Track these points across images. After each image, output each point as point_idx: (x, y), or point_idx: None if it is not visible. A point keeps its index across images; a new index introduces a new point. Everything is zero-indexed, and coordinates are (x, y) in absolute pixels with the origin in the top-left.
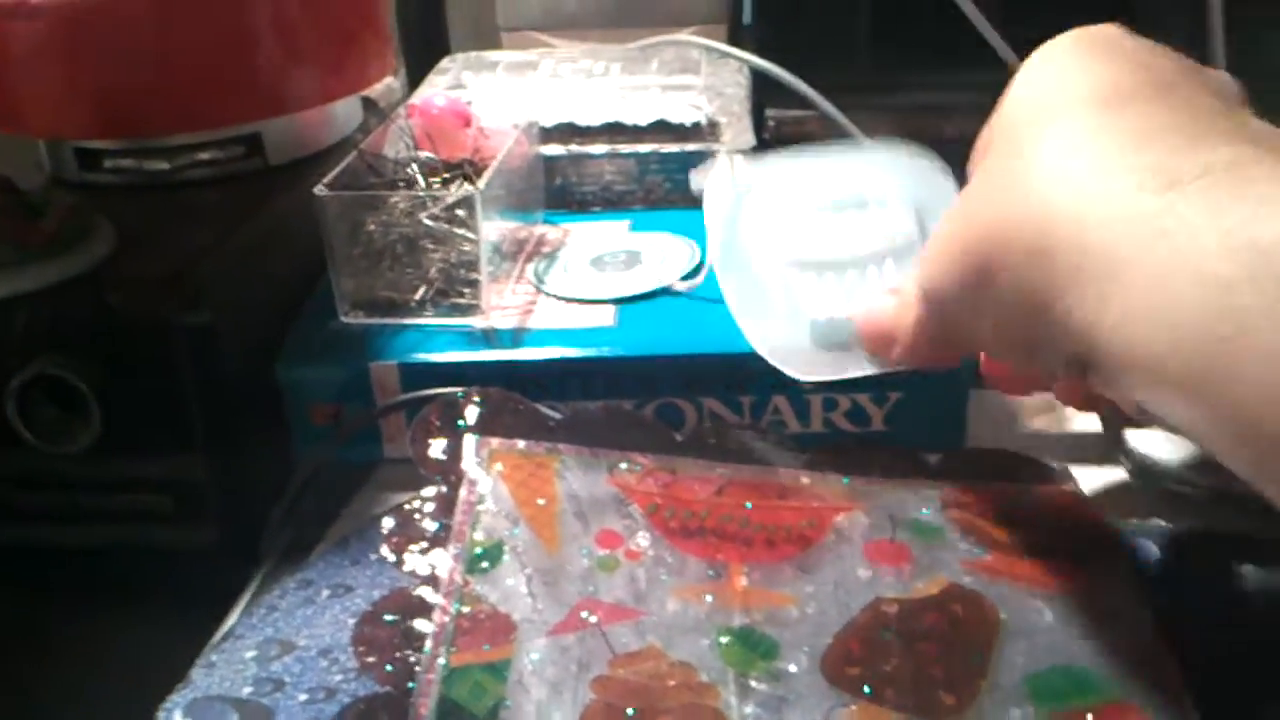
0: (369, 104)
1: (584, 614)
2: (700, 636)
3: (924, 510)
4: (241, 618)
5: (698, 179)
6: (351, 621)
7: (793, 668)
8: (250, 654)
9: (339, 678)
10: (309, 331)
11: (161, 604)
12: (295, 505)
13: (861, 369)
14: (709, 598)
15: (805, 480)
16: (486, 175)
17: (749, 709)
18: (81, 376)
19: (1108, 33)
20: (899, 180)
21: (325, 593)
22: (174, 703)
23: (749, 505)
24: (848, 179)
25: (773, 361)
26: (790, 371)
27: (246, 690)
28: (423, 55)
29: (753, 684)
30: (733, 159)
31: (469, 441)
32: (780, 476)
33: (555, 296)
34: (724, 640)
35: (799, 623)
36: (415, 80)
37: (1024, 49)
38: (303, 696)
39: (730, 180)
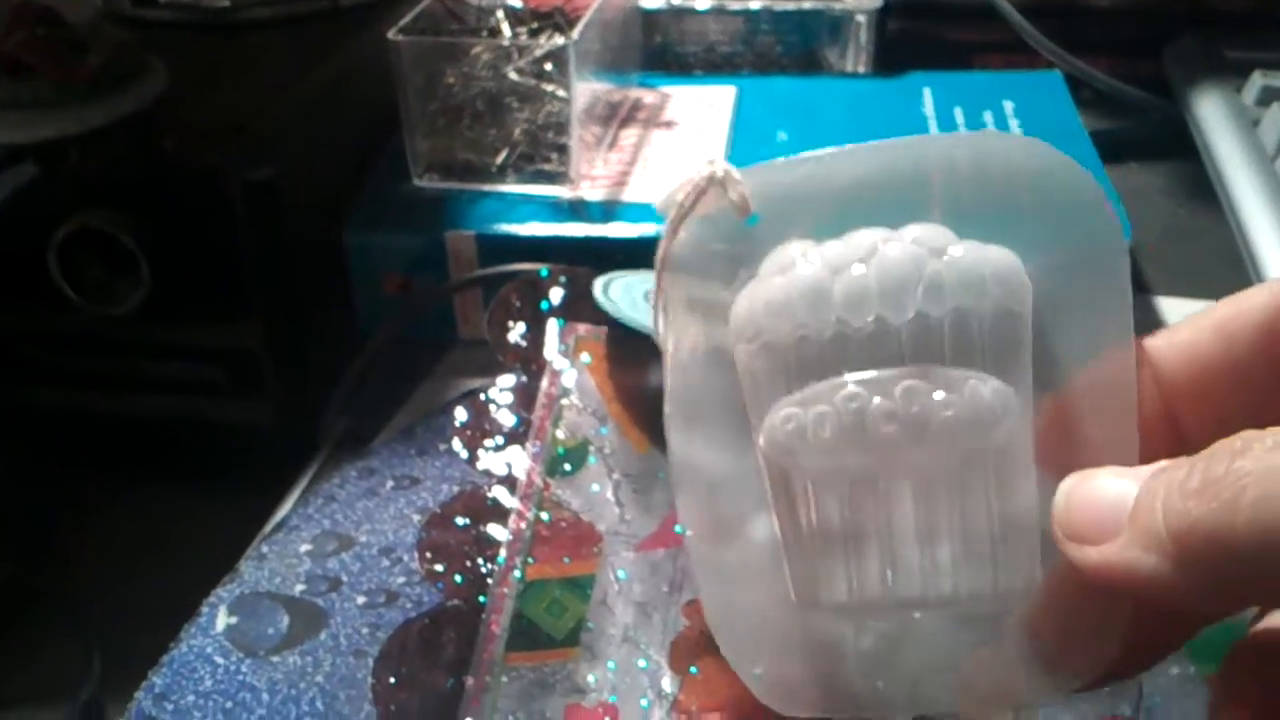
0: None
1: (678, 528)
2: None
3: None
4: (296, 507)
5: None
6: (416, 518)
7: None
8: (305, 548)
9: (401, 580)
10: (380, 194)
11: (212, 484)
12: (359, 385)
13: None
14: None
15: None
16: (580, 26)
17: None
18: (129, 231)
19: None
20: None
21: (389, 484)
22: (220, 597)
23: None
24: (914, 265)
25: (757, 693)
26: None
27: (299, 588)
28: None
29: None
30: (718, 175)
31: (552, 327)
32: None
33: None
34: None
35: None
36: None
37: None
38: (360, 599)
39: (703, 236)
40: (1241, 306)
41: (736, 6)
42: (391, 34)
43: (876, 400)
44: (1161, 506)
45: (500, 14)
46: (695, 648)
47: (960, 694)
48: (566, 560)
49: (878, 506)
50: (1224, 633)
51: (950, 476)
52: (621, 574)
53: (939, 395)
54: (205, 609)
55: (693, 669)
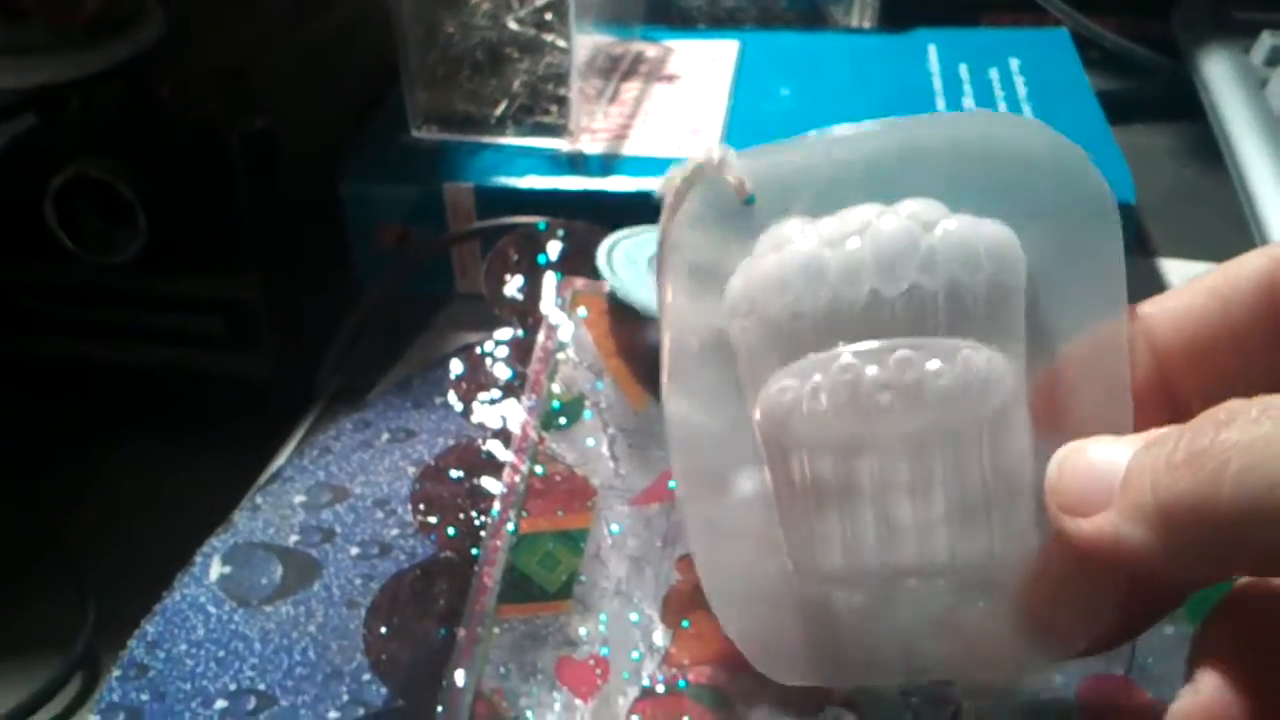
0: None
1: (671, 484)
2: None
3: None
4: (291, 458)
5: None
6: (411, 470)
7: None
8: (299, 499)
9: (395, 532)
10: (377, 145)
11: (208, 435)
12: (355, 337)
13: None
14: None
15: None
16: None
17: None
18: (126, 181)
19: None
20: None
21: (384, 436)
22: (214, 547)
23: None
24: (909, 238)
25: (746, 654)
26: (773, 674)
27: (293, 539)
28: None
29: None
30: (715, 159)
31: (549, 280)
32: None
33: None
34: None
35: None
36: None
37: None
38: (354, 550)
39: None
40: (1237, 271)
41: None
42: None
43: (871, 370)
44: (1150, 480)
45: None
46: (688, 602)
47: (953, 661)
48: (560, 514)
49: (873, 476)
50: (1218, 592)
51: (945, 445)
52: (615, 528)
53: (933, 365)
54: (199, 558)
55: (685, 623)
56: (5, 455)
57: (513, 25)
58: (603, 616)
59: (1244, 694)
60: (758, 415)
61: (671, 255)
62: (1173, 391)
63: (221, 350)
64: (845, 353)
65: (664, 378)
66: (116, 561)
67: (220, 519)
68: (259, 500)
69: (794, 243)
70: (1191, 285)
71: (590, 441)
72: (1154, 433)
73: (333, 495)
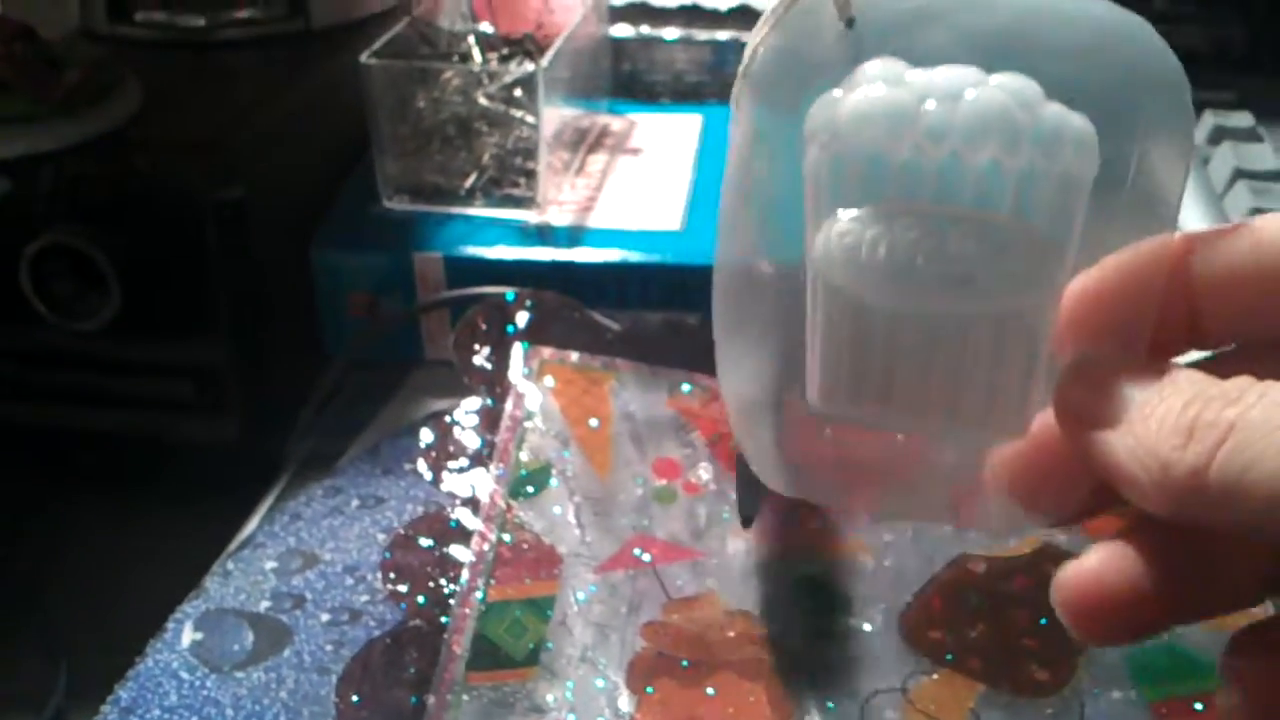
0: None
1: (636, 551)
2: (764, 583)
3: None
4: (262, 524)
5: None
6: (381, 537)
7: (867, 626)
8: (270, 565)
9: (365, 599)
10: (348, 215)
11: (178, 500)
12: (325, 404)
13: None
14: (776, 540)
15: None
16: (550, 53)
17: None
18: (100, 248)
19: None
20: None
21: (354, 503)
22: (185, 613)
23: None
24: (1002, 114)
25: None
26: (765, 478)
27: (264, 605)
28: None
29: (821, 642)
30: None
31: (517, 350)
32: None
33: None
34: (792, 590)
35: (875, 575)
36: None
37: None
38: (325, 617)
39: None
40: (1274, 219)
41: (704, 37)
42: (364, 58)
43: (931, 238)
44: (1155, 433)
45: (472, 39)
46: (652, 668)
47: (939, 508)
48: (528, 581)
49: (907, 333)
50: (1166, 656)
51: (980, 325)
52: (581, 595)
53: (989, 249)
54: (171, 624)
55: (649, 689)
56: None
57: (483, 100)
58: (569, 683)
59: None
60: (816, 250)
61: (758, 72)
62: (1197, 319)
63: (191, 415)
64: (912, 212)
65: (724, 191)
66: (87, 624)
67: (191, 583)
68: (230, 566)
69: (887, 85)
70: (1234, 226)
71: (557, 509)
72: (1170, 379)
73: (303, 561)
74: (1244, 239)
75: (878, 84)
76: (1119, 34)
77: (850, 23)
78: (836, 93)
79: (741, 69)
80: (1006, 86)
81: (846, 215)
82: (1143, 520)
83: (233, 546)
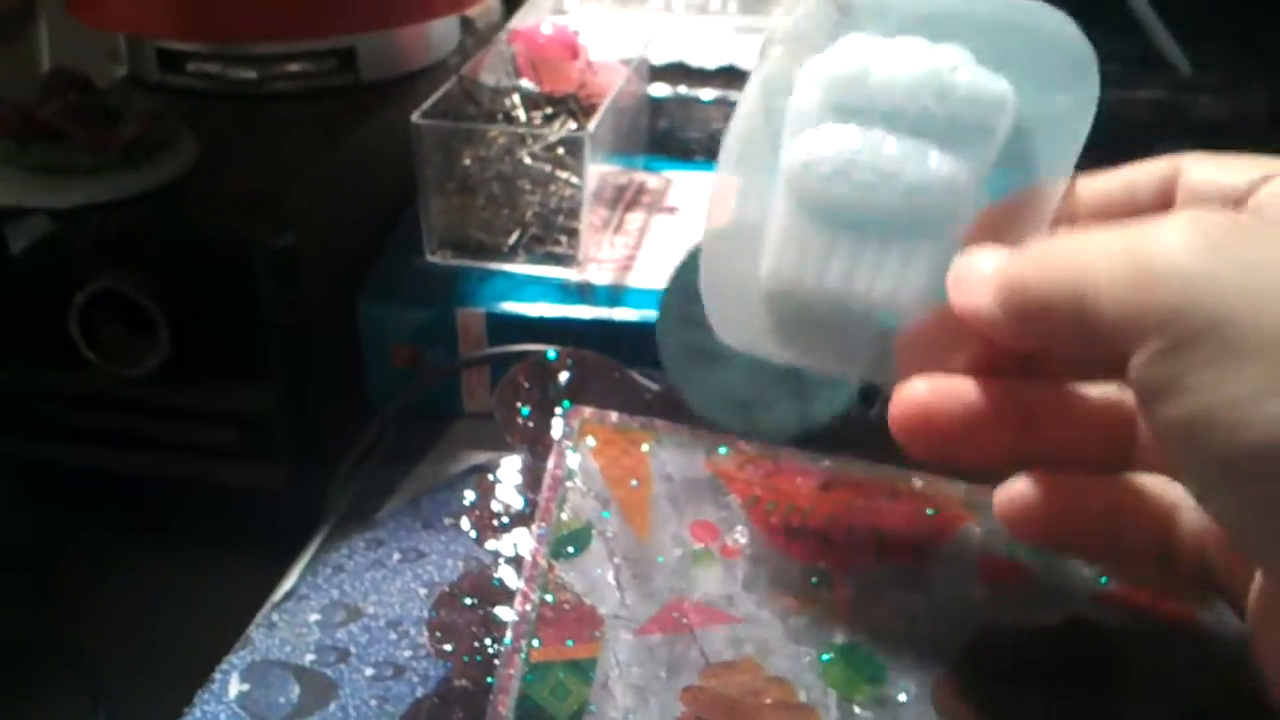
0: (466, 23)
1: (675, 614)
2: (800, 651)
3: None
4: (305, 575)
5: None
6: (423, 591)
7: (901, 696)
8: (314, 617)
9: (408, 654)
10: (394, 268)
11: (218, 547)
12: (368, 453)
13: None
14: (811, 607)
15: (918, 483)
16: (598, 115)
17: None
18: (150, 295)
19: None
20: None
21: (396, 556)
22: (232, 664)
23: (857, 505)
24: (934, 70)
25: (706, 306)
26: (733, 341)
27: (309, 658)
28: None
29: (856, 710)
30: None
31: (559, 409)
32: (892, 476)
33: None
34: (826, 658)
35: (907, 644)
36: (511, 1)
37: (1172, 20)
38: (369, 671)
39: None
40: (1146, 167)
41: (739, 97)
42: (415, 117)
43: (870, 144)
44: (1008, 268)
45: (517, 98)
46: None
47: (866, 368)
48: (570, 643)
49: (844, 222)
50: None
51: (906, 220)
52: (622, 657)
53: (915, 154)
54: (218, 675)
55: None
56: (23, 561)
57: (527, 160)
58: None
59: None
60: (784, 162)
61: (771, 48)
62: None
63: (237, 462)
64: (854, 135)
65: (725, 140)
66: (128, 670)
67: (232, 629)
68: (275, 617)
69: (857, 53)
70: (1114, 172)
71: (597, 571)
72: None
73: (347, 614)
74: (1122, 185)
75: (852, 53)
76: (1035, 16)
77: (845, 10)
78: (821, 57)
79: (764, 39)
80: (942, 55)
81: (810, 136)
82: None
83: (277, 597)
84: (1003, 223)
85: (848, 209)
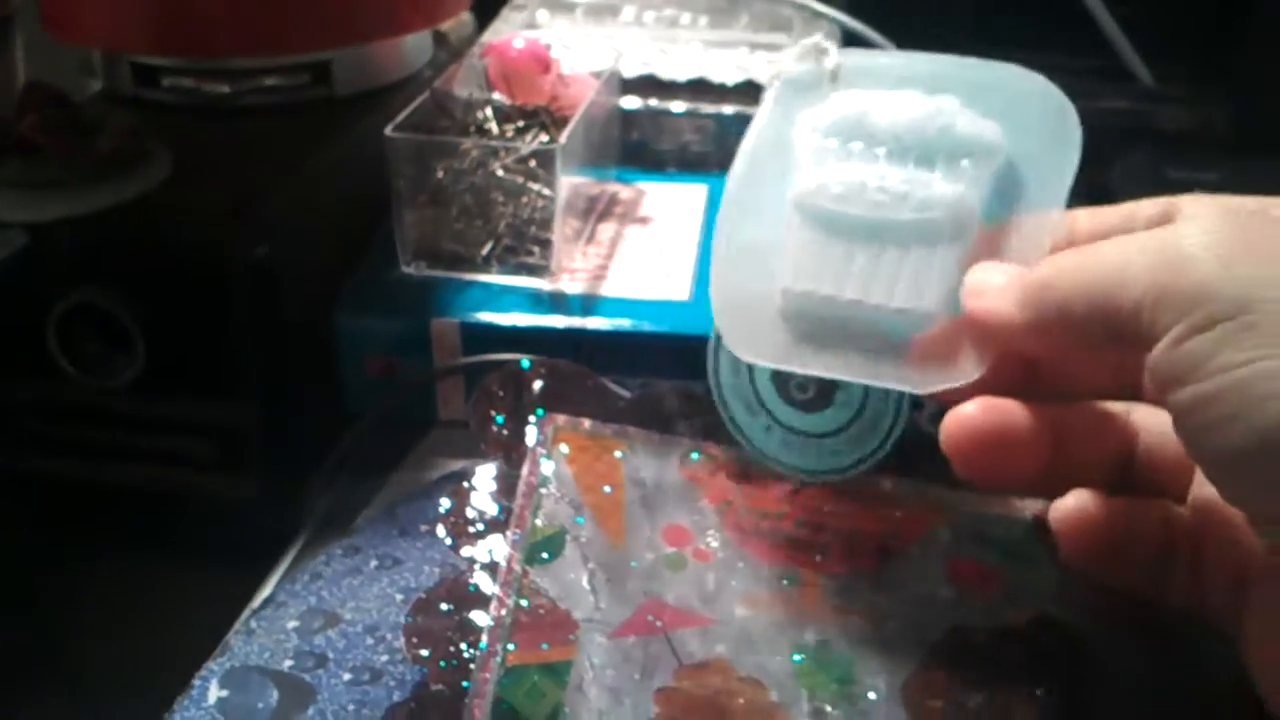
0: (439, 37)
1: (649, 616)
2: (772, 650)
3: (1015, 530)
4: (283, 583)
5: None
6: (399, 598)
7: (871, 694)
8: (292, 624)
9: (385, 659)
10: (369, 279)
11: (199, 556)
12: (343, 463)
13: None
14: (781, 608)
15: (887, 485)
16: (569, 128)
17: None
18: (127, 308)
19: None
20: (996, 128)
21: (373, 563)
22: (211, 671)
23: (826, 509)
24: (932, 113)
25: (722, 328)
26: (748, 355)
27: (287, 663)
28: None
29: (828, 709)
30: (823, 51)
31: (532, 417)
32: (861, 479)
33: None
34: (798, 658)
35: (877, 644)
36: (483, 15)
37: (1135, 34)
38: (346, 676)
39: (807, 78)
40: (1145, 204)
41: (709, 110)
42: (388, 130)
43: (875, 177)
44: (1030, 273)
45: (489, 111)
46: None
47: (883, 371)
48: (545, 646)
49: (866, 241)
50: None
51: (918, 234)
52: (596, 660)
53: (921, 184)
54: (197, 682)
55: None
56: (2, 572)
57: (499, 172)
58: None
59: None
60: (798, 186)
61: (772, 102)
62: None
63: (212, 473)
64: (861, 165)
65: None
66: (110, 678)
67: (211, 637)
68: (253, 624)
69: (854, 101)
70: (1112, 208)
71: (572, 575)
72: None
73: (324, 620)
74: (1121, 219)
75: (853, 101)
76: (1015, 76)
77: (834, 78)
78: (818, 107)
79: (768, 86)
80: (937, 103)
81: (817, 167)
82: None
83: (255, 604)
84: (1004, 244)
85: (862, 224)
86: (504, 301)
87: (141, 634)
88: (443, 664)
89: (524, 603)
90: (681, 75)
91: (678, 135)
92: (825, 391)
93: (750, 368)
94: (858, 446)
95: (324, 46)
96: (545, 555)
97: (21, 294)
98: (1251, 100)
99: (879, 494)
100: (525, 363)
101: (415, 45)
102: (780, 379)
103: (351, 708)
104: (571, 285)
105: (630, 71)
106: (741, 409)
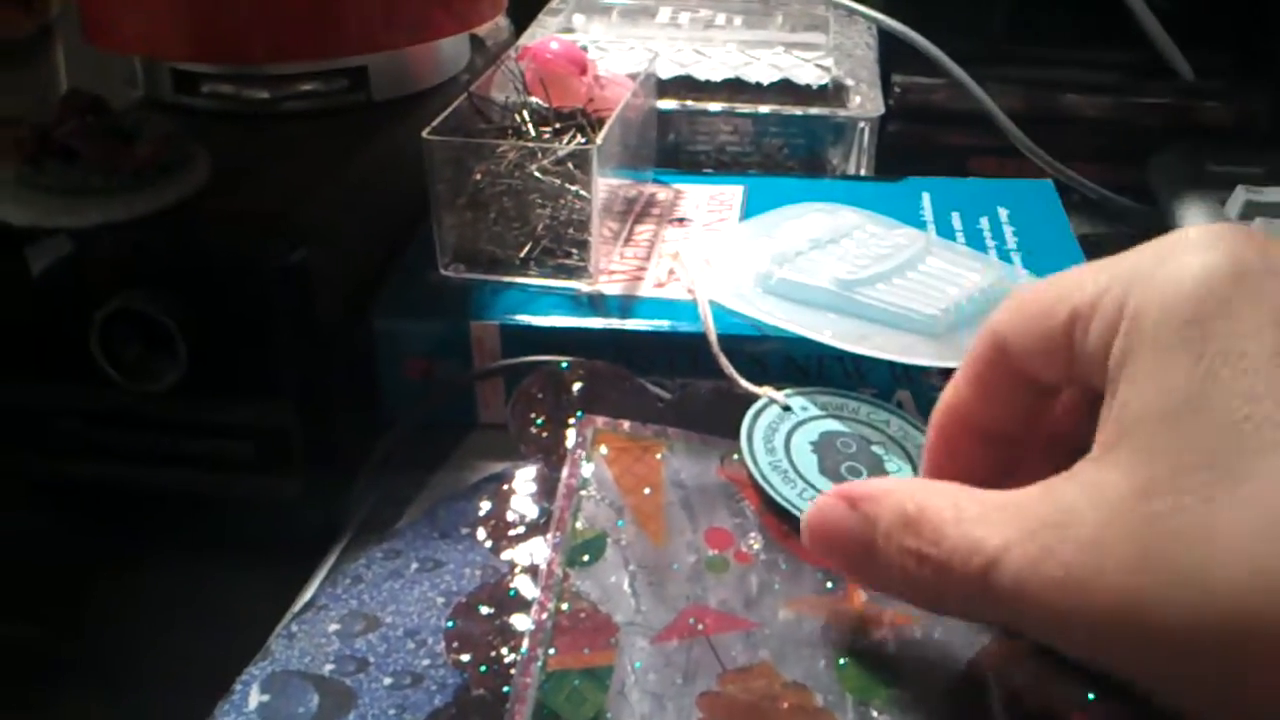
0: (476, 42)
1: (691, 620)
2: (816, 655)
3: None
4: (324, 586)
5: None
6: (440, 600)
7: (918, 698)
8: (333, 627)
9: (426, 663)
10: (408, 282)
11: (241, 559)
12: (383, 465)
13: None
14: (826, 611)
15: None
16: (605, 129)
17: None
18: (169, 313)
19: None
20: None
21: (414, 566)
22: (252, 675)
23: None
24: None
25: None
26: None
27: (328, 668)
28: None
29: (874, 713)
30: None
31: (572, 419)
32: None
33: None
34: (843, 662)
35: (923, 646)
36: (519, 18)
37: (1175, 28)
38: (387, 680)
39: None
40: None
41: (746, 110)
42: (426, 133)
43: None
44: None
45: (526, 114)
46: None
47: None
48: (586, 651)
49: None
50: None
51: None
52: (638, 665)
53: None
54: (238, 686)
55: None
56: (41, 577)
57: (537, 174)
58: None
59: None
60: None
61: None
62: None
63: (252, 475)
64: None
65: None
66: (151, 682)
67: (250, 640)
68: (294, 628)
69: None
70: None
71: (613, 578)
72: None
73: (365, 624)
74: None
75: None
76: None
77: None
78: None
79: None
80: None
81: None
82: None
83: (296, 608)
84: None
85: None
86: (542, 303)
87: (182, 637)
88: (483, 668)
89: (565, 606)
90: (717, 76)
91: (714, 136)
92: (874, 466)
93: (787, 443)
94: None
95: (361, 52)
96: (586, 558)
97: (64, 300)
98: None
99: None
100: (564, 364)
101: (452, 49)
102: (824, 456)
103: (392, 712)
104: (610, 286)
105: (666, 73)
106: (780, 481)
